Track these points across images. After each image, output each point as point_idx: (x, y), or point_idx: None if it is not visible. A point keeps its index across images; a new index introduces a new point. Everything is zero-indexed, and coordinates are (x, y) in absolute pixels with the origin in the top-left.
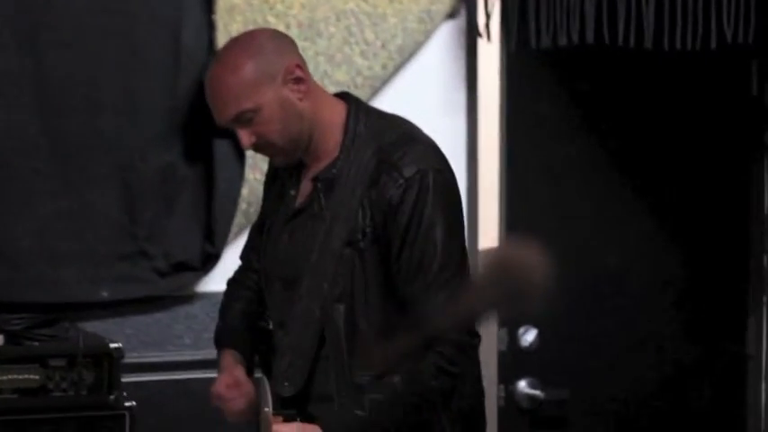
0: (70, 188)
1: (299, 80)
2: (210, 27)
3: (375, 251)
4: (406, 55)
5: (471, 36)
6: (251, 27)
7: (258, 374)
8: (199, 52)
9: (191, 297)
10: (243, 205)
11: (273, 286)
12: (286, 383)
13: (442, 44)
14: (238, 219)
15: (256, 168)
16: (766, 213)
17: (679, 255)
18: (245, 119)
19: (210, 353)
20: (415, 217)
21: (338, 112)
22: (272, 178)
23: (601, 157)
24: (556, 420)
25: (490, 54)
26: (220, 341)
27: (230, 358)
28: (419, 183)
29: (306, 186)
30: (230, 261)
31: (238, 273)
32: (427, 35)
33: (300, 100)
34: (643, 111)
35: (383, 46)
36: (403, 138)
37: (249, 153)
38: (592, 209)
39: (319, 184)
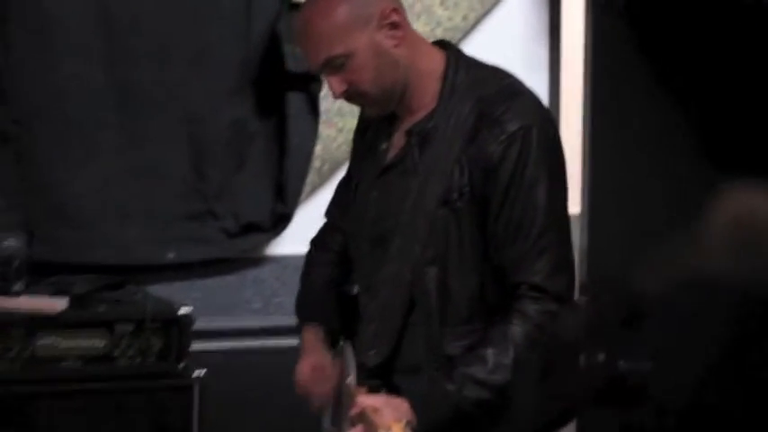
0: (136, 143)
1: (394, 25)
2: None
3: (472, 212)
4: (488, 5)
5: None
6: None
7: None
8: (271, 0)
9: (260, 260)
10: (316, 163)
11: (361, 247)
12: (371, 352)
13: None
14: (311, 177)
15: (331, 124)
16: None
17: None
18: (336, 64)
19: (281, 319)
20: (516, 176)
21: (436, 61)
22: (362, 131)
23: (687, 125)
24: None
25: (575, 5)
26: (302, 312)
27: (312, 337)
28: (522, 139)
29: (398, 140)
30: (303, 222)
31: (322, 232)
32: None
33: (396, 46)
34: (747, 80)
35: None
36: (505, 90)
37: (323, 108)
38: (676, 160)
39: (413, 138)
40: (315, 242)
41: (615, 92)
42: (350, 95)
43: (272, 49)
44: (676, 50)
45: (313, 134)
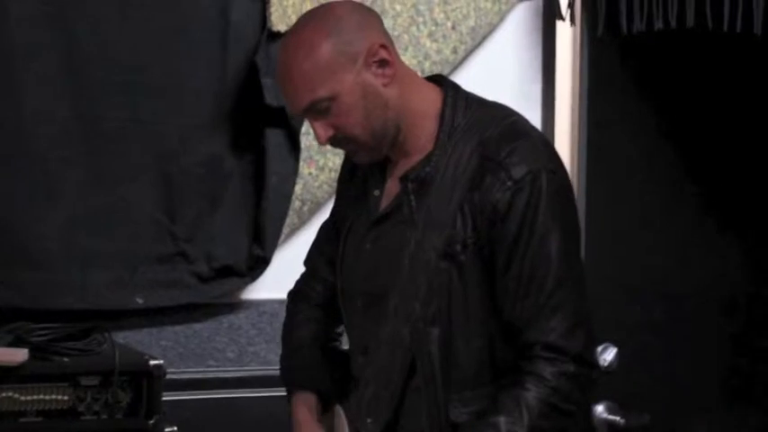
0: (103, 181)
1: (383, 63)
2: (263, 0)
3: (477, 265)
4: (479, 38)
5: (550, 19)
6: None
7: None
8: (249, 29)
9: (235, 306)
10: (296, 203)
11: (354, 304)
12: (369, 419)
13: (518, 27)
14: (291, 219)
15: (312, 162)
16: None
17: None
18: (320, 108)
19: (257, 369)
20: (525, 225)
21: (432, 99)
22: (349, 174)
23: (686, 161)
24: None
25: (570, 39)
26: (290, 377)
27: (305, 409)
28: (530, 186)
29: (393, 186)
30: (281, 266)
31: (302, 283)
32: (502, 16)
33: (386, 85)
34: (746, 111)
35: (453, 27)
36: (510, 131)
37: (304, 144)
38: (672, 209)
39: (410, 185)
40: (295, 295)
41: (611, 132)
42: (336, 141)
43: (250, 80)
44: (672, 88)
45: (293, 172)
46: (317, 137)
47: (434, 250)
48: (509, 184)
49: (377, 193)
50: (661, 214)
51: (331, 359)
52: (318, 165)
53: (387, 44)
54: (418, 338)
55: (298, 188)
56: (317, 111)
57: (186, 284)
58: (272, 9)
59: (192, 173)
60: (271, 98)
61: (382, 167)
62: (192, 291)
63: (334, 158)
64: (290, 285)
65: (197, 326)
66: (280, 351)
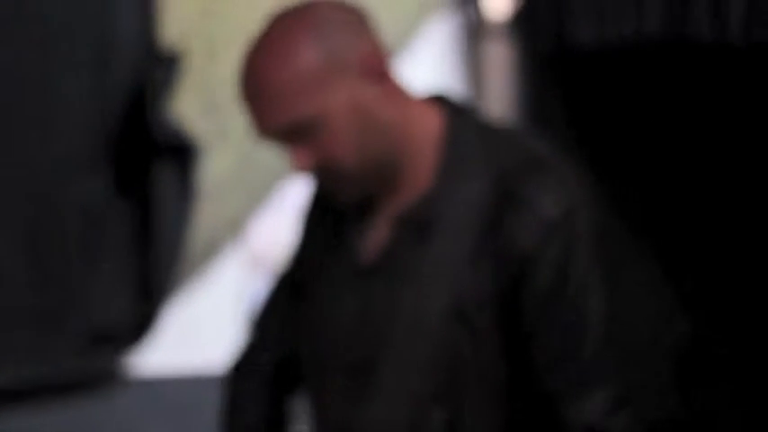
0: None
1: (381, 76)
2: (147, 10)
3: (495, 329)
4: (395, 53)
5: (478, 32)
6: (198, 11)
7: None
8: (133, 44)
9: (117, 382)
10: (192, 251)
11: (329, 379)
12: None
13: (441, 42)
14: (185, 270)
15: (210, 201)
16: None
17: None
18: (302, 131)
19: None
20: (559, 278)
21: (431, 122)
22: (317, 215)
23: (630, 188)
24: None
25: (503, 55)
26: None
27: None
28: (566, 229)
29: (381, 231)
30: (174, 329)
31: (248, 353)
32: (422, 29)
33: (383, 106)
34: (702, 132)
35: None
36: (533, 160)
37: (205, 181)
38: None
39: (406, 229)
40: (239, 368)
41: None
42: (319, 173)
43: (136, 110)
44: (606, 107)
45: (186, 217)
46: (296, 167)
47: (439, 311)
48: (538, 227)
49: (359, 239)
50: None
51: None
52: (219, 203)
53: (384, 53)
54: (418, 421)
55: (193, 233)
56: (296, 134)
57: (60, 356)
58: (164, 26)
59: (65, 219)
60: (159, 129)
61: (364, 206)
62: (66, 363)
63: (242, 196)
64: (187, 354)
65: (73, 407)
66: None
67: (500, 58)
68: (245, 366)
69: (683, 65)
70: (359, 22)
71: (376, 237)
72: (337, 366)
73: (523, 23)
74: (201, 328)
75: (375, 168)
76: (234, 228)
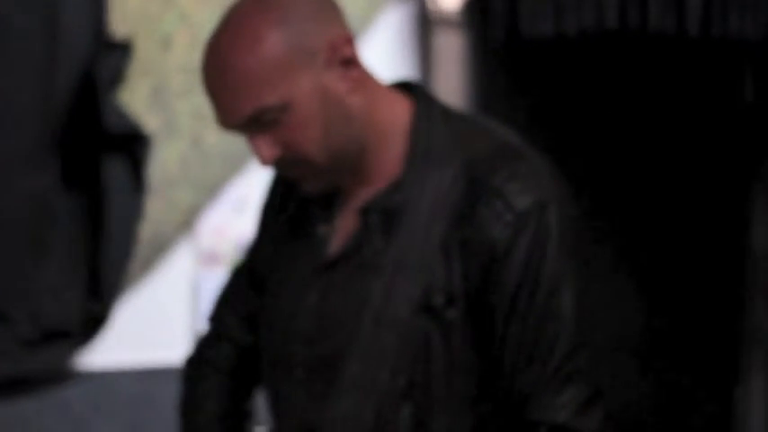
0: None
1: (348, 62)
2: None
3: (466, 323)
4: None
5: (429, 22)
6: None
7: None
8: (83, 37)
9: (68, 377)
10: (142, 248)
11: (290, 374)
12: None
13: (392, 33)
14: (135, 266)
15: (161, 196)
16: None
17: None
18: (266, 120)
19: None
20: (530, 272)
21: (400, 110)
22: (277, 205)
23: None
24: None
25: (454, 46)
26: None
27: None
28: (537, 221)
29: (348, 221)
30: (124, 326)
31: (204, 346)
32: (374, 19)
33: (351, 92)
34: (643, 121)
35: None
36: (505, 149)
37: (154, 173)
38: None
39: (373, 219)
40: (194, 361)
41: None
42: (284, 164)
43: (85, 100)
44: (556, 94)
45: (137, 210)
46: (260, 158)
47: (408, 303)
48: (509, 218)
49: (323, 230)
50: None
51: None
52: (170, 199)
53: (351, 39)
54: (385, 417)
55: (144, 229)
56: (261, 123)
57: (6, 353)
58: (111, 12)
59: (11, 214)
60: (110, 120)
61: (329, 196)
62: (13, 360)
63: (192, 192)
64: (136, 349)
65: (20, 404)
66: None
67: (451, 49)
68: (202, 360)
69: (633, 56)
70: (325, 9)
71: (343, 227)
72: (300, 361)
73: (477, 14)
74: (153, 323)
75: (342, 157)
76: (184, 221)
